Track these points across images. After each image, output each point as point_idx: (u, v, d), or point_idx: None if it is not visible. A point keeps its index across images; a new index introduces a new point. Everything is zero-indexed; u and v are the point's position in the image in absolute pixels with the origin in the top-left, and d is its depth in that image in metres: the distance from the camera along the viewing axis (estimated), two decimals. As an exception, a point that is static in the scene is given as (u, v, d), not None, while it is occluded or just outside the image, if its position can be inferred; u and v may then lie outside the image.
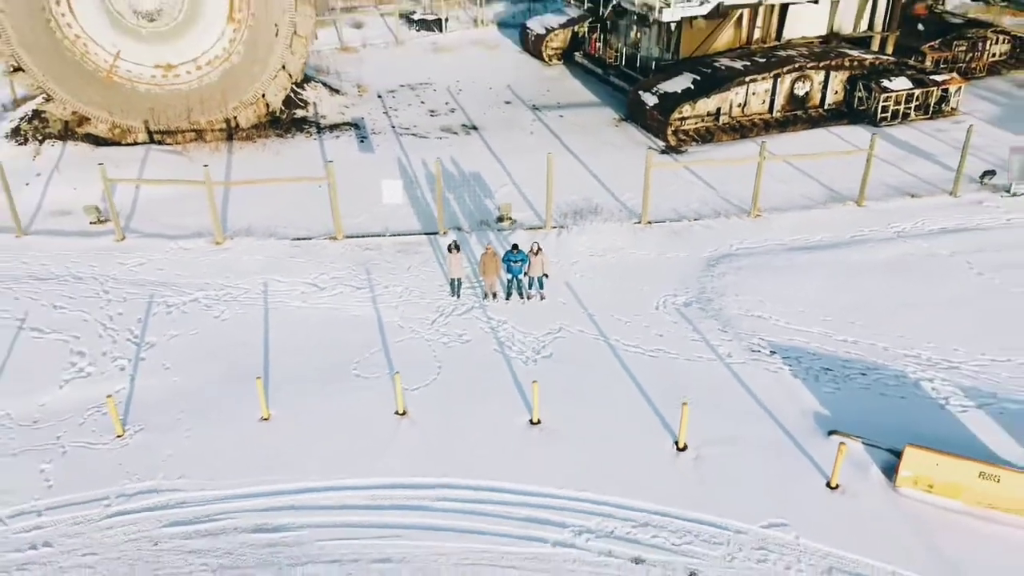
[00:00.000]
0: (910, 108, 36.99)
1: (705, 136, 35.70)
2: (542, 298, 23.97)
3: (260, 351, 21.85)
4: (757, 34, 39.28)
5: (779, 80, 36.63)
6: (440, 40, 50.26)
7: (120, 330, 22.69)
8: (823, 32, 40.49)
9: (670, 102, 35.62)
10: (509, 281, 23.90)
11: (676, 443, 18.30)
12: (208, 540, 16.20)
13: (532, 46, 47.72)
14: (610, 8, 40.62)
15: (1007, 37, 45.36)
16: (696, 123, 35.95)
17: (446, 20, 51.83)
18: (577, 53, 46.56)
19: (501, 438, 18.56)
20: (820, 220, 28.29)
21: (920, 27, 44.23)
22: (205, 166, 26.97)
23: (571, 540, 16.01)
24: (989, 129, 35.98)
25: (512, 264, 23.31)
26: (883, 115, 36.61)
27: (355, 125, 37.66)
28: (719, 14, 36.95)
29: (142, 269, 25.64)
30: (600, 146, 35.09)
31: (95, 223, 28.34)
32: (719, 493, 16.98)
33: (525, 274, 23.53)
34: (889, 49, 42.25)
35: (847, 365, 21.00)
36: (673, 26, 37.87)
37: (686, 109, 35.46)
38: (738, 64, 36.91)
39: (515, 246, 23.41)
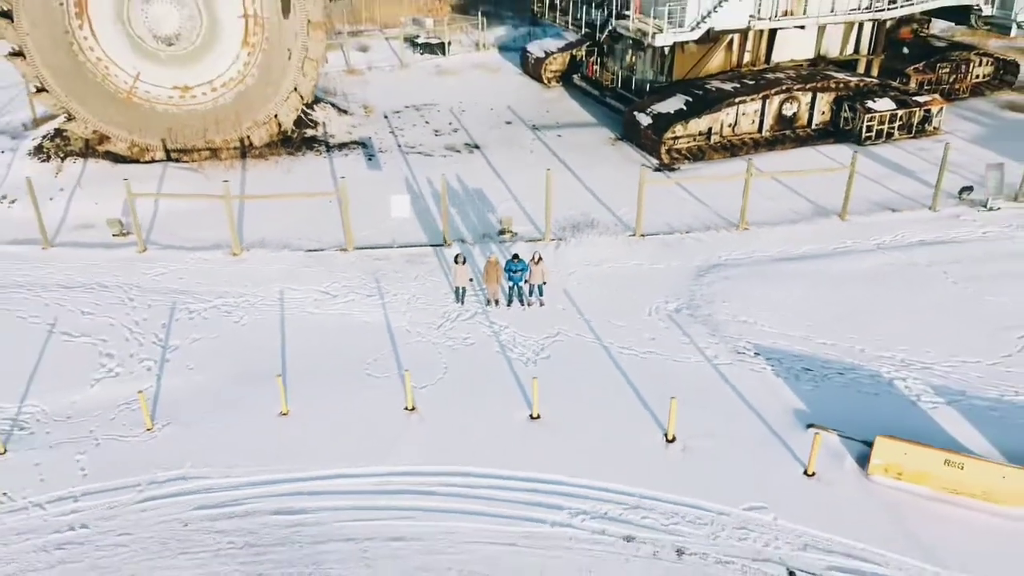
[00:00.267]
0: (894, 128, 38.66)
1: (697, 154, 37.32)
2: (541, 304, 25.47)
3: (277, 353, 23.34)
4: (747, 57, 41.06)
5: (768, 101, 38.35)
6: (443, 63, 52.18)
7: (145, 334, 24.20)
8: (811, 55, 42.27)
9: (663, 122, 37.28)
10: (510, 288, 25.40)
11: (666, 435, 19.73)
12: (233, 521, 17.60)
13: (532, 69, 49.59)
14: (606, 33, 42.44)
15: (990, 59, 47.14)
16: (688, 142, 37.60)
17: (449, 44, 53.77)
18: (575, 76, 48.38)
19: (503, 431, 20.03)
20: (805, 233, 29.86)
21: (905, 50, 46.05)
22: (225, 181, 28.63)
23: (568, 521, 17.43)
24: (970, 147, 37.67)
25: (513, 273, 24.84)
26: (868, 134, 38.28)
27: (363, 144, 39.33)
28: (710, 39, 38.74)
29: (164, 278, 27.18)
30: (597, 164, 36.75)
31: (117, 235, 29.89)
32: (704, 479, 18.41)
33: (526, 282, 25.06)
34: (875, 72, 44.00)
35: (826, 365, 22.49)
36: (666, 50, 39.69)
37: (679, 129, 37.11)
38: (728, 86, 38.64)
39: (515, 256, 24.94)
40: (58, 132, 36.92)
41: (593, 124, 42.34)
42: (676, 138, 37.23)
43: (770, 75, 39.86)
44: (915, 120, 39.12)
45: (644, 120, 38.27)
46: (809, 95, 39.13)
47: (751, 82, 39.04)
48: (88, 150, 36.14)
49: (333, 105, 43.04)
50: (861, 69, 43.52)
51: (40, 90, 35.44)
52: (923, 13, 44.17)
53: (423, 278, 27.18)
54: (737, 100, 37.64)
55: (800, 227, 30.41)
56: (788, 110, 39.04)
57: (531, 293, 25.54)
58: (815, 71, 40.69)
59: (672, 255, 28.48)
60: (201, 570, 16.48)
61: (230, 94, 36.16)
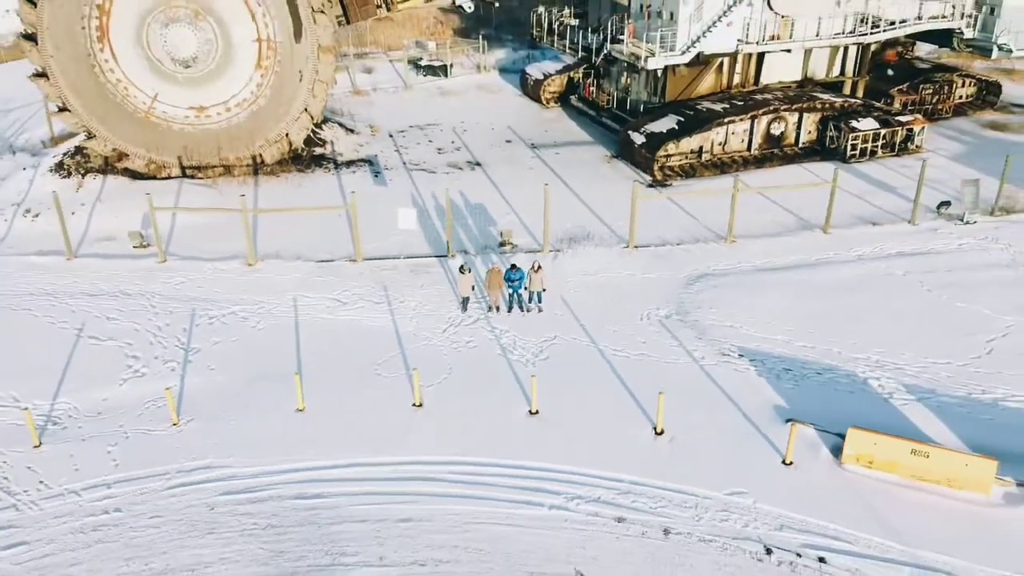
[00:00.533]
0: (877, 146, 40.44)
1: (688, 172, 39.05)
2: (540, 310, 27.07)
3: (293, 355, 24.92)
4: (736, 79, 42.90)
5: (756, 121, 40.14)
6: (446, 85, 54.15)
7: (168, 337, 25.78)
8: (798, 77, 44.12)
9: (656, 141, 39.05)
10: (510, 295, 27.01)
11: (655, 428, 21.27)
12: (256, 505, 19.11)
13: (531, 90, 51.57)
14: (602, 56, 44.40)
15: (973, 80, 49.00)
16: (680, 160, 39.34)
17: (451, 66, 55.77)
18: (573, 97, 50.33)
19: (505, 425, 21.58)
20: (789, 245, 31.52)
21: (890, 72, 47.90)
22: (242, 195, 30.37)
23: (564, 504, 18.94)
24: (950, 165, 39.49)
25: (511, 281, 26.47)
26: (852, 152, 40.04)
27: (369, 161, 41.08)
28: (700, 62, 40.63)
29: (184, 287, 28.80)
30: (593, 180, 38.52)
31: (138, 247, 31.52)
32: (690, 468, 19.94)
33: (525, 288, 26.68)
34: (860, 93, 45.84)
35: (805, 366, 24.07)
36: (659, 73, 41.57)
37: (671, 147, 38.86)
38: (719, 106, 40.45)
39: (514, 265, 26.57)
40: (78, 149, 38.70)
41: (590, 143, 44.18)
42: (668, 156, 38.94)
43: (758, 96, 41.69)
44: (898, 139, 40.89)
45: (638, 139, 40.03)
46: (796, 115, 40.93)
47: (740, 103, 40.85)
48: (107, 167, 37.87)
49: (341, 125, 44.87)
50: (847, 90, 45.32)
51: (62, 109, 37.16)
52: (907, 36, 46.08)
53: (428, 287, 28.78)
54: (727, 120, 39.43)
55: (784, 239, 32.06)
56: (776, 129, 40.82)
57: (531, 300, 27.14)
58: (802, 92, 42.53)
59: (663, 265, 30.10)
60: (227, 548, 17.97)
61: (244, 114, 37.93)
